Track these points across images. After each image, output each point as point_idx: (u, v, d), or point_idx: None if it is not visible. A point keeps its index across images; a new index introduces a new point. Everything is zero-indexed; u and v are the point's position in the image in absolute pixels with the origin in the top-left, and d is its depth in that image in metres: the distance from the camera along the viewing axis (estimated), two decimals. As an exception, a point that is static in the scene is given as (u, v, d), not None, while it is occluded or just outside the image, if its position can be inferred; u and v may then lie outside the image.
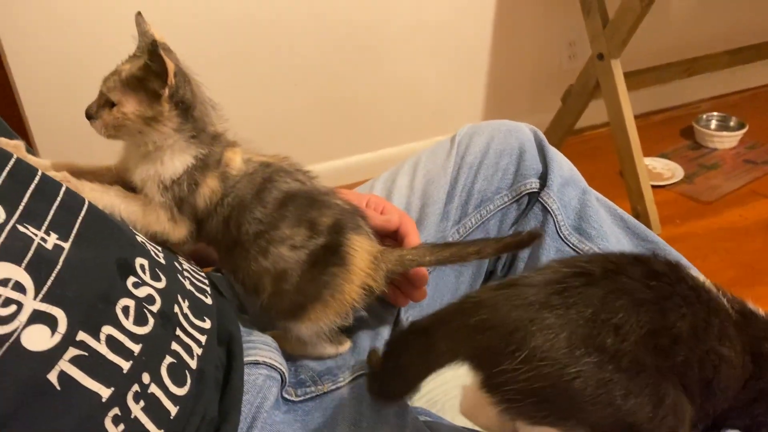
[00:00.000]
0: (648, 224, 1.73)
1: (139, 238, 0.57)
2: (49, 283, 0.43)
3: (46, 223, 0.46)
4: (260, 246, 0.63)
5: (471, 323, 0.47)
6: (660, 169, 2.07)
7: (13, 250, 0.43)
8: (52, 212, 0.47)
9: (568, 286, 0.47)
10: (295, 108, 1.96)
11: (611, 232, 0.81)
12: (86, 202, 0.50)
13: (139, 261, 0.53)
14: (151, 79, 0.60)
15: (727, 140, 2.21)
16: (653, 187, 1.85)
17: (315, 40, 1.89)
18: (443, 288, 0.83)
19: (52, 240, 0.45)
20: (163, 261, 0.56)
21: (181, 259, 0.62)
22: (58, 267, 0.44)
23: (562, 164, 0.84)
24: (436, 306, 0.81)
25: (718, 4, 2.38)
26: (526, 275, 0.49)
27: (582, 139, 2.25)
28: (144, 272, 0.52)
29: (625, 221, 0.84)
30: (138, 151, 0.63)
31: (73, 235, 0.47)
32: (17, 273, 0.42)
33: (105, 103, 0.61)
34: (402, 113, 2.10)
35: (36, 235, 0.44)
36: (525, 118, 2.40)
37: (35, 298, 0.43)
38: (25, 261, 0.43)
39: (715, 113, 2.31)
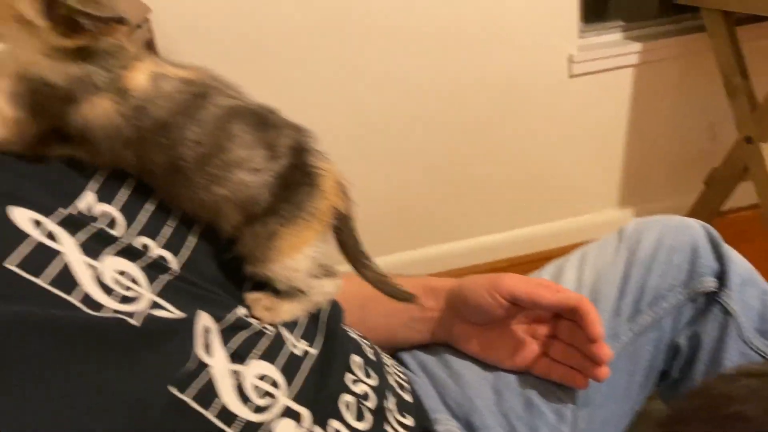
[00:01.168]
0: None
1: (353, 334, 0.61)
2: (299, 384, 0.49)
3: (302, 331, 0.52)
4: (210, 174, 0.52)
5: (724, 414, 0.46)
6: (817, 256, 1.95)
7: (273, 352, 0.49)
8: (306, 321, 0.53)
9: None
10: (427, 187, 2.02)
11: (798, 336, 0.78)
12: (328, 307, 0.56)
13: (355, 358, 0.57)
14: None
15: None
16: (812, 275, 1.73)
17: (449, 123, 1.96)
18: (615, 386, 0.82)
19: (302, 346, 0.51)
20: (373, 358, 0.61)
21: (384, 356, 0.66)
22: (306, 371, 0.50)
23: (739, 263, 0.82)
24: (610, 405, 0.81)
25: None
26: None
27: (726, 222, 2.16)
28: (359, 369, 0.57)
29: (811, 323, 0.80)
30: None
31: (321, 344, 0.52)
32: (274, 372, 0.48)
33: None
34: (534, 194, 2.11)
35: (288, 340, 0.50)
36: (663, 201, 2.32)
37: (286, 395, 0.48)
38: (282, 363, 0.49)
39: None
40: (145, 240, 0.50)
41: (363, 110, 1.88)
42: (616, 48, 2.01)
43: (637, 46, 2.00)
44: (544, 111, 2.01)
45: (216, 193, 0.52)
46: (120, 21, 0.46)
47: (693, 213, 2.02)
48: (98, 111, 0.48)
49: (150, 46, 1.46)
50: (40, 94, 0.46)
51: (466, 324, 0.78)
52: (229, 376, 0.46)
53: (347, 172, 0.61)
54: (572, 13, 1.93)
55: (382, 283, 0.63)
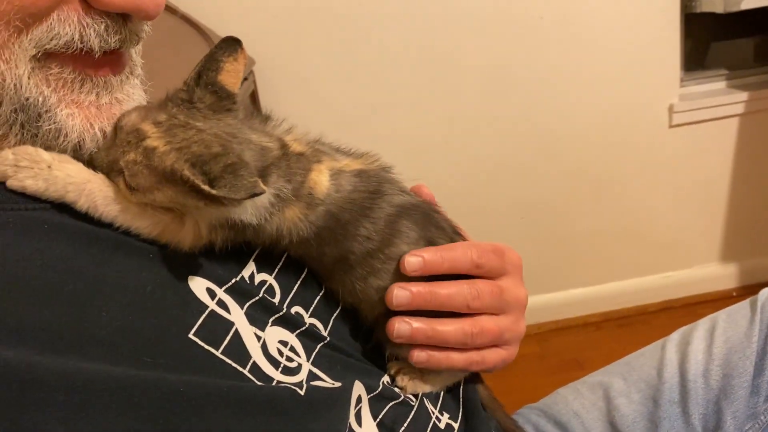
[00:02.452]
0: None
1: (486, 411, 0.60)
2: None
3: (442, 403, 0.51)
4: (371, 266, 0.54)
5: None
6: None
7: (418, 425, 0.50)
8: (445, 394, 0.52)
9: None
10: (520, 237, 1.98)
11: None
12: (462, 380, 0.56)
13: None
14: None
15: None
16: None
17: (545, 172, 1.92)
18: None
19: (444, 419, 0.51)
20: None
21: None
22: None
23: None
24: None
25: None
26: None
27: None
28: None
29: None
30: None
31: (460, 416, 0.52)
32: None
33: (119, 172, 0.45)
34: (632, 246, 2.04)
35: (433, 413, 0.50)
36: (769, 256, 2.10)
37: None
38: None
39: None
40: (298, 308, 0.52)
41: (458, 159, 1.87)
42: (720, 97, 1.94)
43: (742, 95, 1.93)
44: (644, 162, 1.95)
45: (371, 285, 0.54)
46: (256, 193, 0.42)
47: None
48: (287, 220, 0.50)
49: (254, 98, 1.51)
50: (235, 225, 0.47)
51: None
52: None
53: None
54: (673, 61, 1.88)
55: (494, 401, 0.63)
